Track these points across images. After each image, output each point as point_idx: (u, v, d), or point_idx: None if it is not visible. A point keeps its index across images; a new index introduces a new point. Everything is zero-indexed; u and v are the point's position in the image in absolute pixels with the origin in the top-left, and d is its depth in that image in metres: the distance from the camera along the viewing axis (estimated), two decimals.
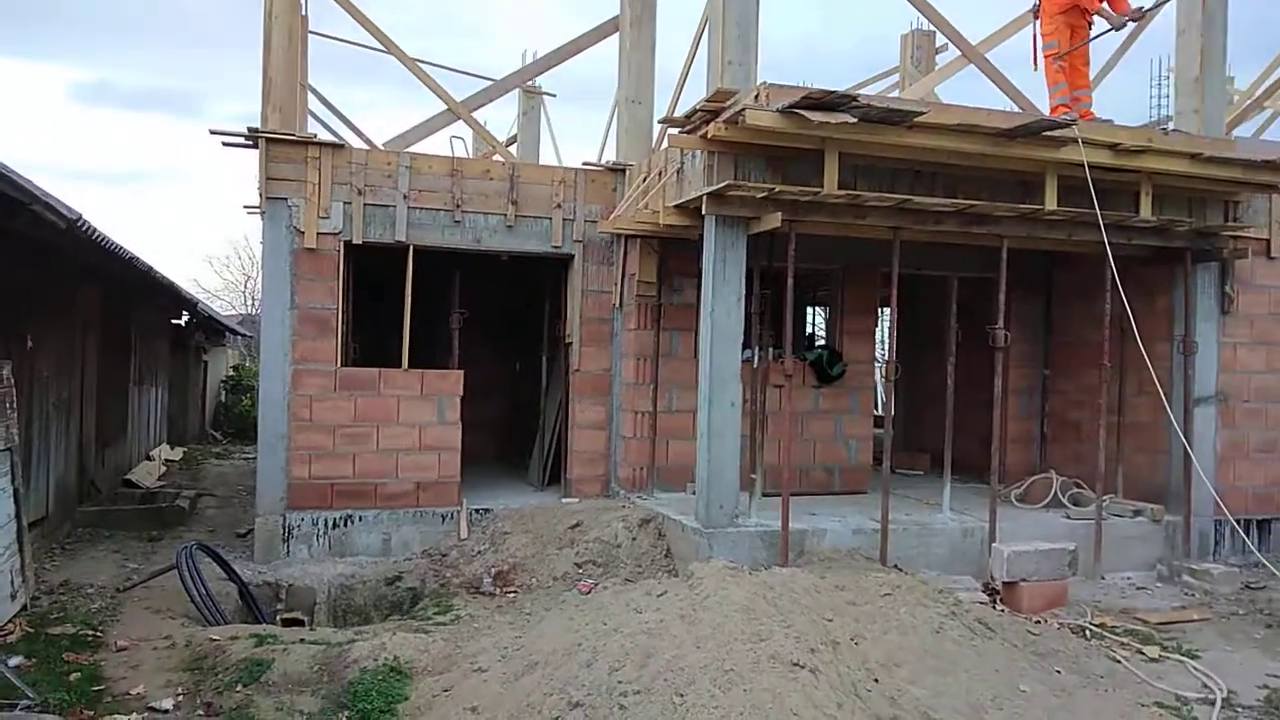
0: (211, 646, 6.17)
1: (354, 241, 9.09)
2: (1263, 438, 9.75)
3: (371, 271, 10.22)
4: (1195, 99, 9.12)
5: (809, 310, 16.87)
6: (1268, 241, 9.59)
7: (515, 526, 9.07)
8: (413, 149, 9.57)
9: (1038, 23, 8.52)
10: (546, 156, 15.08)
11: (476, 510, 9.46)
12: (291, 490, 8.92)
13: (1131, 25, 8.41)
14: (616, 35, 10.05)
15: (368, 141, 11.65)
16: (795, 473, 9.96)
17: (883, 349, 14.41)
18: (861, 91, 12.80)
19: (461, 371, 9.51)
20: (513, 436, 13.29)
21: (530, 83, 14.48)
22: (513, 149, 14.95)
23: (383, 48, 9.60)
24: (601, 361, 9.92)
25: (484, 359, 12.99)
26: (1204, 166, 8.09)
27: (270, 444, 8.91)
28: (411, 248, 9.24)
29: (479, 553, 8.79)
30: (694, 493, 8.40)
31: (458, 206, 9.29)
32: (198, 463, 16.71)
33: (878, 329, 11.89)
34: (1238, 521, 9.37)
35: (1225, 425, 9.49)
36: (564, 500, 9.74)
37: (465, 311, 9.90)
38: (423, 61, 9.90)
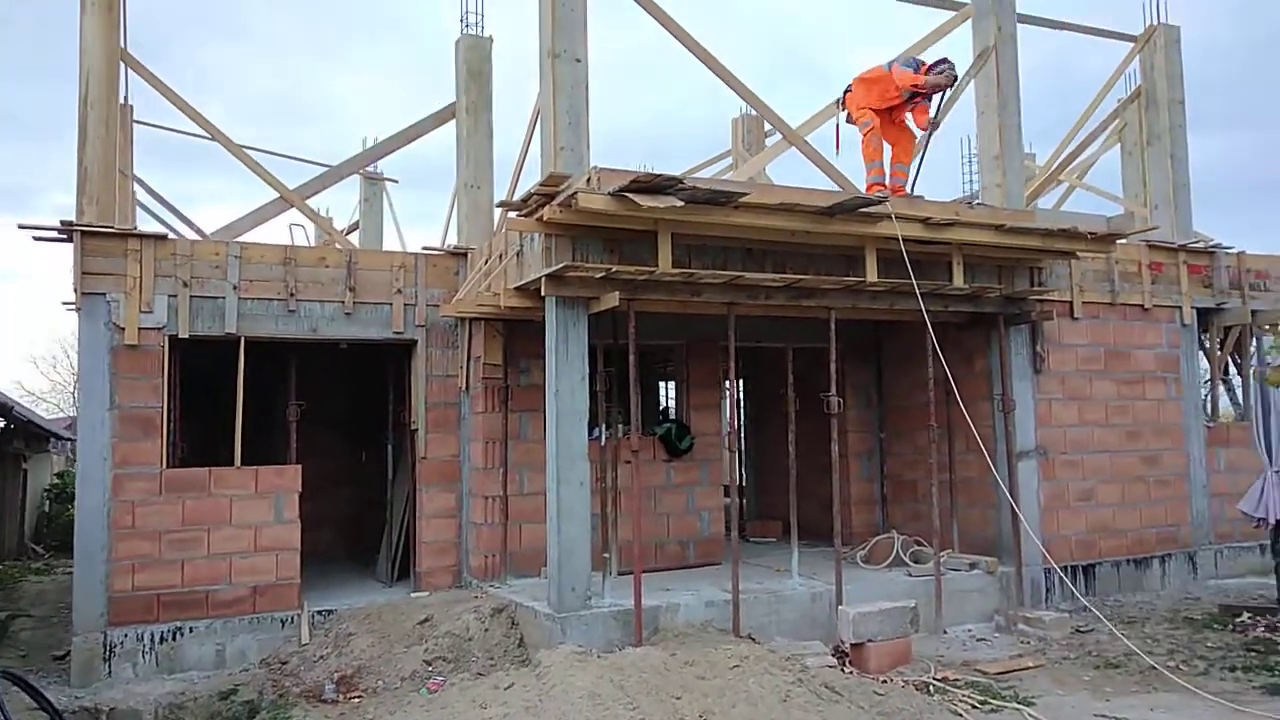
0: None
1: (180, 336, 8.69)
2: (1081, 487, 10.41)
3: (204, 365, 9.78)
4: (998, 174, 9.89)
5: (660, 385, 17.10)
6: (1070, 304, 10.39)
7: (360, 626, 8.67)
8: (244, 238, 9.30)
9: (843, 112, 9.10)
10: (390, 242, 14.97)
11: (319, 612, 9.01)
12: (113, 604, 8.28)
13: (935, 129, 9.05)
14: (454, 121, 10.13)
15: (199, 232, 11.25)
16: (650, 548, 10.02)
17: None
18: (698, 173, 13.31)
19: (299, 466, 9.13)
20: (361, 532, 12.79)
21: (372, 169, 14.42)
22: (354, 236, 14.76)
23: (207, 135, 9.35)
24: (449, 447, 9.73)
25: (328, 451, 12.60)
26: (1007, 236, 8.73)
27: (89, 555, 8.27)
28: (243, 339, 8.90)
29: (321, 658, 8.35)
30: (548, 577, 8.26)
31: (292, 295, 9.04)
32: (15, 580, 15.30)
33: (724, 401, 12.12)
34: (1064, 568, 9.93)
35: (1046, 477, 10.09)
36: (413, 595, 9.41)
37: (303, 403, 9.56)
38: (252, 148, 9.71)
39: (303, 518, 9.07)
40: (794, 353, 9.78)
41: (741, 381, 15.12)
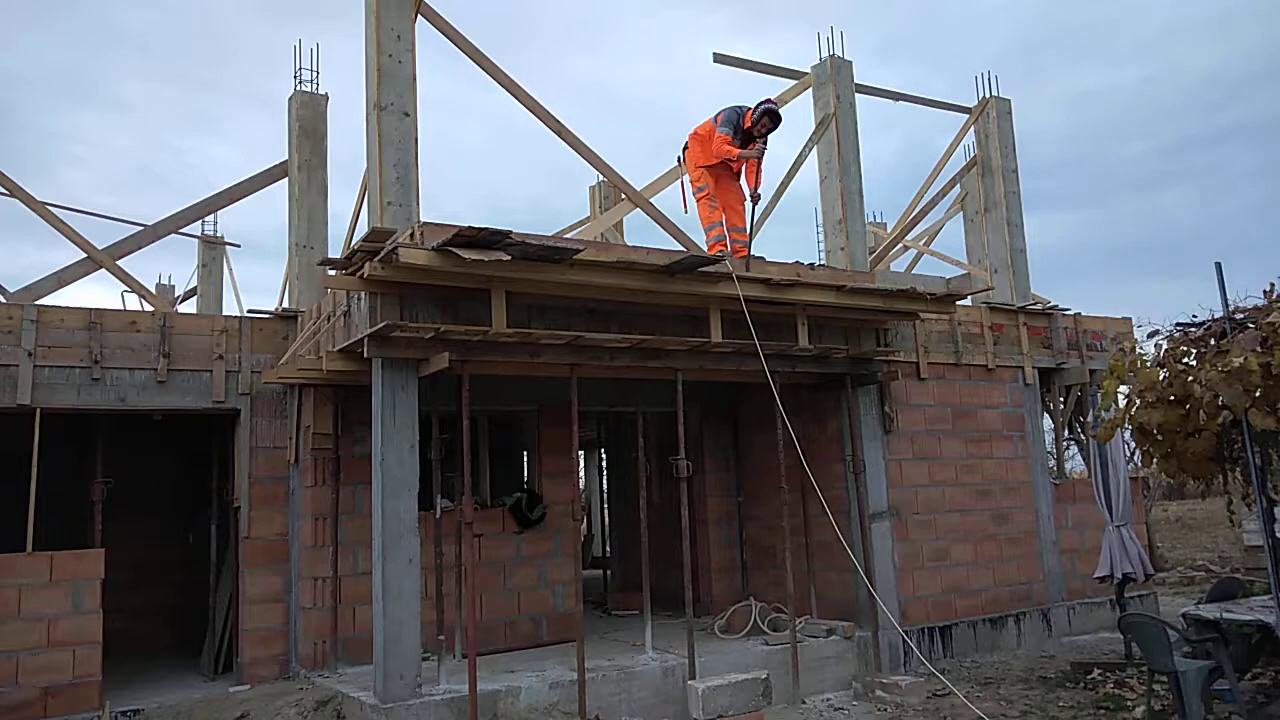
0: None
1: None
2: (934, 547, 10.39)
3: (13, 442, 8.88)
4: (841, 238, 9.99)
5: (524, 454, 16.66)
6: (917, 364, 10.51)
7: None
8: (47, 300, 8.54)
9: (685, 172, 9.06)
10: (230, 310, 14.15)
11: (124, 713, 8.08)
12: None
13: (756, 201, 9.01)
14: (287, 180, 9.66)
15: (5, 295, 10.33)
16: (499, 627, 9.52)
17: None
18: (564, 236, 13.08)
19: (102, 550, 8.25)
20: (190, 621, 11.74)
21: (211, 232, 13.71)
22: (191, 302, 13.94)
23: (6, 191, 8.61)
24: (276, 525, 9.01)
25: (154, 534, 11.63)
26: (849, 297, 8.73)
27: None
28: (39, 411, 8.08)
29: None
30: (374, 664, 7.61)
31: (97, 362, 8.29)
32: None
33: (580, 469, 11.77)
34: (922, 630, 9.85)
35: (900, 538, 10.03)
36: (232, 689, 8.56)
37: (110, 480, 8.72)
38: (59, 206, 8.99)
39: (125, 607, 8.25)
40: (657, 417, 9.50)
41: (604, 449, 14.80)
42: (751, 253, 8.77)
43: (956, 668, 9.77)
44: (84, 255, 8.72)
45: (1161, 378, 7.41)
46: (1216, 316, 7.50)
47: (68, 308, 8.36)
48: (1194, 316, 7.97)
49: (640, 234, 14.27)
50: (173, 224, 9.14)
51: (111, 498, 8.91)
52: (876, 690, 8.81)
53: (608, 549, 14.67)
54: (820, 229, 13.83)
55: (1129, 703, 8.12)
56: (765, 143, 8.55)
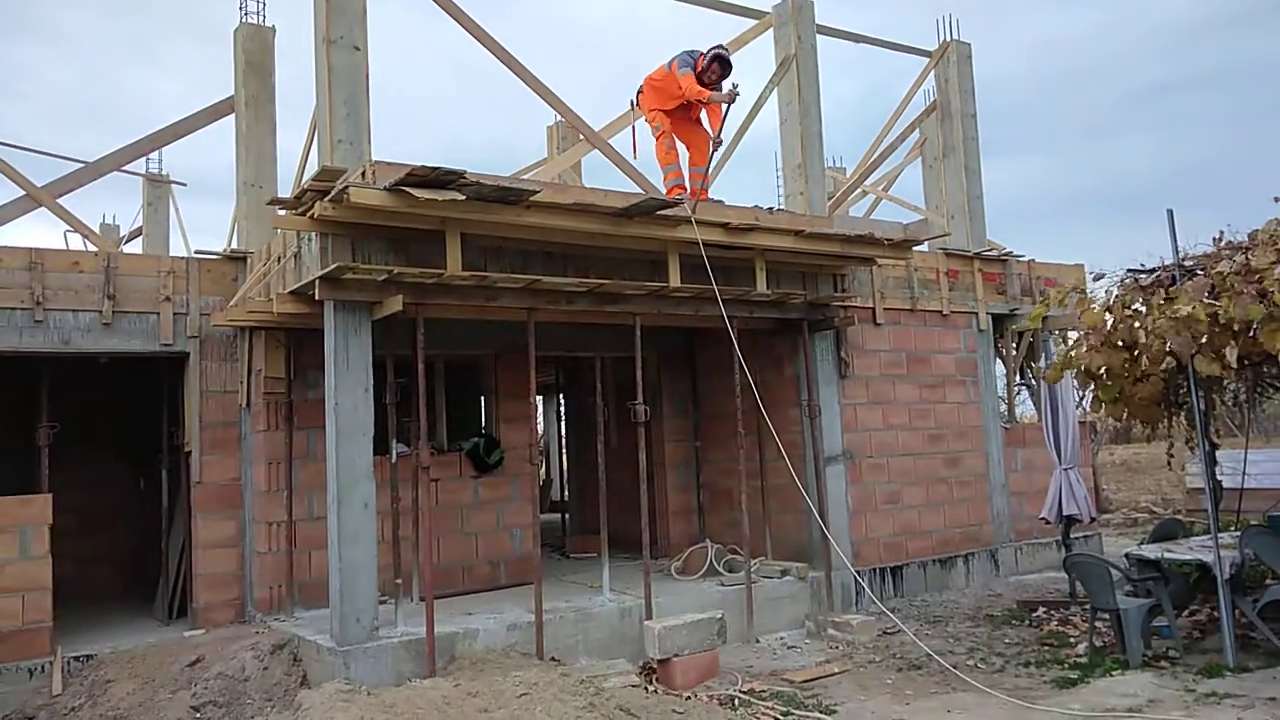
0: None
1: None
2: (887, 490, 10.57)
3: None
4: (800, 182, 9.94)
5: (483, 399, 16.60)
6: (873, 310, 10.57)
7: (122, 672, 7.74)
8: None
9: (639, 118, 8.91)
10: (178, 250, 13.83)
11: (77, 658, 8.01)
12: None
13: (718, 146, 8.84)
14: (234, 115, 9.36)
15: None
16: (457, 570, 9.56)
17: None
18: (521, 177, 12.88)
19: (49, 496, 8.10)
20: (144, 567, 11.63)
21: (156, 170, 13.30)
22: (137, 243, 13.56)
23: None
24: (228, 470, 8.90)
25: (108, 480, 11.41)
26: (807, 242, 8.72)
27: None
28: None
29: (74, 709, 7.41)
30: (331, 608, 7.60)
31: (39, 304, 8.05)
32: None
33: (539, 413, 11.76)
34: (874, 570, 10.05)
35: (854, 481, 10.17)
36: (187, 634, 8.51)
37: (55, 425, 8.53)
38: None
39: (76, 553, 8.12)
40: (615, 362, 9.45)
41: (563, 394, 14.79)
42: (709, 196, 8.69)
43: (907, 607, 10.01)
44: (23, 193, 8.40)
45: (1107, 321, 7.54)
46: (1166, 264, 7.61)
47: (7, 247, 8.09)
48: (1141, 265, 8.08)
49: (599, 177, 14.09)
50: (116, 160, 8.83)
51: (59, 443, 8.74)
52: (829, 629, 9.00)
53: (566, 493, 14.74)
54: (780, 173, 13.77)
55: (1072, 639, 8.39)
56: (737, 86, 8.33)
